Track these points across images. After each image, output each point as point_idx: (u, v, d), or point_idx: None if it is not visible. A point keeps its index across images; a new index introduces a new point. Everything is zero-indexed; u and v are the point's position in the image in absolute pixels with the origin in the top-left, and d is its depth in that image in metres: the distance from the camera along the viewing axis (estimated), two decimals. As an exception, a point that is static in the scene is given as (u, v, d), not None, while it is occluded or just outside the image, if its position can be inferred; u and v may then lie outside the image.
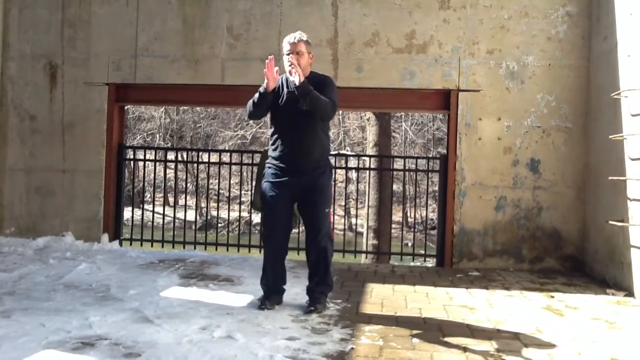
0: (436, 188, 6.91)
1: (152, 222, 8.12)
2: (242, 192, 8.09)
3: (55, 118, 6.72)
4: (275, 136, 4.09)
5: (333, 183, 4.61)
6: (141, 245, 6.90)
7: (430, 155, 17.51)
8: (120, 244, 6.66)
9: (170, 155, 9.99)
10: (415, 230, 19.32)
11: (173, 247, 7.03)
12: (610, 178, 5.19)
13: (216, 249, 6.96)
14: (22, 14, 6.78)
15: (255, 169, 5.21)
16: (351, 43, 6.32)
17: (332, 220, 4.70)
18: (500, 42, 6.14)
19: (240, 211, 8.88)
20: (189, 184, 22.52)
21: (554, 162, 6.07)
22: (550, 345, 3.42)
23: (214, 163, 8.46)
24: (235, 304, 4.16)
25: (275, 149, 4.08)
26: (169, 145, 23.82)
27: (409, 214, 22.49)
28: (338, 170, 7.24)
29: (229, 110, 22.70)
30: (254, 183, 4.67)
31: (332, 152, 9.13)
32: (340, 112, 18.41)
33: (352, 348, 3.24)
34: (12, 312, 3.73)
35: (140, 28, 6.60)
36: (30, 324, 3.48)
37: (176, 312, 3.87)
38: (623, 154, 5.09)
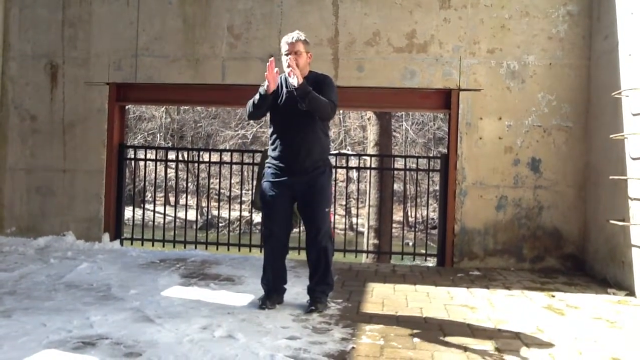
0: (437, 187, 6.91)
1: (153, 221, 8.12)
2: (243, 191, 8.08)
3: (55, 118, 6.73)
4: (275, 136, 4.09)
5: (333, 183, 4.61)
6: (142, 244, 6.90)
7: (431, 155, 17.52)
8: (121, 244, 6.66)
9: (171, 155, 9.99)
10: (416, 229, 19.34)
11: (174, 246, 7.03)
12: (611, 177, 5.19)
13: (217, 249, 6.96)
14: (22, 13, 6.78)
15: (256, 169, 5.21)
16: (352, 42, 6.32)
17: (332, 219, 4.71)
18: (501, 42, 6.14)
19: (241, 211, 8.87)
20: (189, 184, 22.55)
21: (555, 162, 6.07)
22: (551, 345, 3.42)
23: (215, 163, 8.48)
24: (236, 304, 4.16)
25: (274, 149, 4.08)
26: (169, 144, 23.82)
27: (409, 214, 22.48)
28: (339, 170, 7.24)
29: (230, 110, 22.70)
30: (254, 182, 4.67)
31: (333, 152, 9.13)
32: (341, 111, 18.41)
33: (353, 347, 3.24)
34: (13, 312, 3.73)
35: (141, 28, 6.60)
36: (31, 323, 3.48)
37: (177, 312, 3.88)
38: (624, 153, 5.09)
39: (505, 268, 6.03)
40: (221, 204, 19.73)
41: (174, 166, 8.83)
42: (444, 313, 4.12)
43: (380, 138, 12.29)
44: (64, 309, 3.85)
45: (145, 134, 24.63)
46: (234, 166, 7.52)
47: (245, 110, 4.19)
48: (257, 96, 4.00)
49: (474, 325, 3.81)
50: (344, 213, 21.27)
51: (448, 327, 3.76)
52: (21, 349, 3.03)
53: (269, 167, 4.11)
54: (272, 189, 4.04)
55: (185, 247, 6.98)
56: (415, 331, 3.60)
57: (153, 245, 7.11)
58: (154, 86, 6.67)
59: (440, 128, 22.35)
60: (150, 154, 7.53)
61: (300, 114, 3.93)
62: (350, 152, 18.33)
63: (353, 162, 13.07)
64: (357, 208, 9.11)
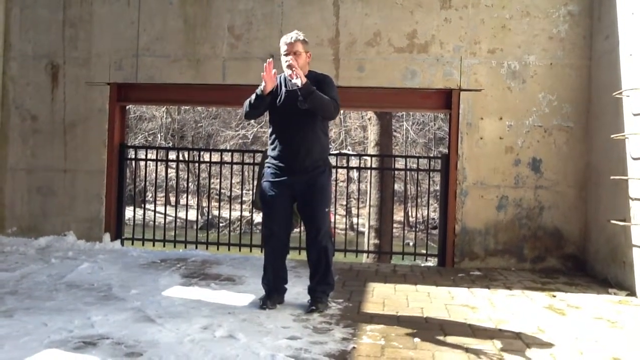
0: (437, 187, 6.91)
1: (154, 221, 8.13)
2: (244, 191, 8.08)
3: (56, 118, 6.73)
4: (274, 136, 4.09)
5: (334, 183, 4.61)
6: (143, 244, 6.91)
7: (432, 155, 17.52)
8: (122, 244, 6.66)
9: (172, 155, 9.99)
10: (417, 229, 19.37)
11: (174, 246, 7.04)
12: (612, 177, 5.19)
13: (218, 249, 6.96)
14: (23, 13, 6.79)
15: (256, 169, 5.21)
16: (352, 43, 6.32)
17: (333, 219, 4.71)
18: (501, 42, 6.14)
19: (241, 211, 8.88)
20: (190, 184, 22.56)
21: (556, 162, 6.07)
22: (552, 345, 3.41)
23: (216, 163, 8.48)
24: (237, 304, 4.16)
25: (274, 149, 4.08)
26: (170, 144, 23.85)
27: (410, 214, 22.49)
28: (339, 170, 7.24)
29: (230, 110, 22.70)
30: (255, 182, 4.67)
31: (334, 152, 9.14)
32: (342, 111, 18.39)
33: (354, 347, 3.24)
34: (14, 312, 3.73)
35: (142, 28, 6.60)
36: (32, 323, 3.49)
37: (178, 312, 3.88)
38: (625, 153, 5.09)
39: (506, 268, 6.03)
40: (222, 204, 19.74)
41: (174, 166, 8.83)
42: (444, 313, 4.12)
43: (381, 138, 12.29)
44: (65, 308, 3.85)
45: (146, 134, 24.66)
46: (235, 166, 7.52)
47: (242, 110, 4.20)
48: (253, 96, 4.01)
49: (475, 325, 3.81)
50: (344, 213, 21.27)
51: (449, 327, 3.76)
52: (22, 349, 3.03)
53: (269, 167, 4.11)
54: (272, 189, 4.04)
55: (186, 247, 6.98)
56: (416, 331, 3.60)
57: (154, 245, 7.12)
58: (155, 86, 6.68)
59: (440, 128, 22.37)
60: (151, 154, 7.54)
61: (300, 114, 3.93)
62: (350, 152, 18.33)
63: (354, 162, 13.07)
64: (358, 208, 9.13)
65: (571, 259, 6.04)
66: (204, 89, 6.66)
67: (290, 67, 3.88)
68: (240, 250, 6.87)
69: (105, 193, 6.63)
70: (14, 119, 6.80)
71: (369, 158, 10.59)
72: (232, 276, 5.15)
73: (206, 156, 10.80)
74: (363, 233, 12.36)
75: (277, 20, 6.40)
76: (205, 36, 6.52)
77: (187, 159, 17.46)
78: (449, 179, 6.19)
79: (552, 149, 6.07)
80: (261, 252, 6.12)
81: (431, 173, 7.06)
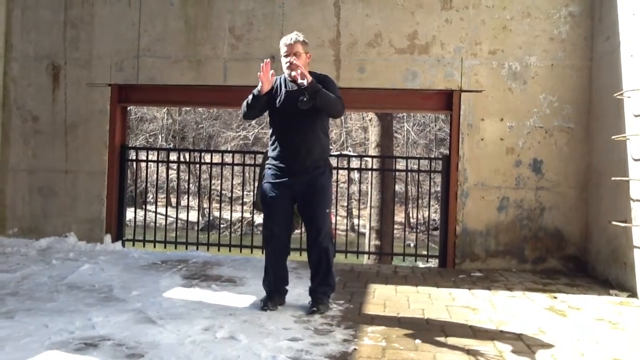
0: (438, 189, 6.91)
1: (155, 222, 8.13)
2: (245, 192, 8.07)
3: (57, 119, 6.74)
4: (275, 137, 4.09)
5: (335, 184, 4.61)
6: (144, 246, 6.91)
7: (433, 156, 17.51)
8: (123, 245, 6.66)
9: (173, 156, 10.01)
10: (418, 230, 19.35)
11: (175, 247, 7.03)
12: (613, 179, 5.18)
13: (218, 250, 6.96)
14: (24, 14, 6.79)
15: (257, 170, 5.21)
16: (353, 44, 6.32)
17: (333, 220, 4.71)
18: (502, 43, 6.14)
19: (242, 212, 8.87)
20: (191, 185, 22.56)
21: (557, 163, 6.07)
22: (553, 346, 3.41)
23: (216, 164, 8.46)
24: (238, 305, 4.16)
25: (274, 150, 4.08)
26: (171, 146, 23.87)
27: (411, 215, 22.49)
28: (340, 171, 7.23)
29: (231, 111, 22.69)
30: (256, 184, 4.68)
31: (335, 153, 9.13)
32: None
33: (355, 349, 3.24)
34: (15, 313, 3.73)
35: (143, 29, 6.61)
36: (33, 324, 3.49)
37: (179, 313, 3.88)
38: (626, 155, 5.08)
39: (507, 269, 6.03)
40: (222, 205, 19.75)
41: (175, 167, 8.83)
42: (445, 314, 4.12)
43: (382, 139, 12.30)
44: (66, 310, 3.85)
45: (147, 135, 24.67)
46: (236, 167, 7.52)
47: (240, 110, 4.20)
48: (250, 96, 4.02)
49: (476, 327, 3.81)
50: (345, 214, 21.27)
51: (450, 328, 3.75)
52: (23, 350, 3.03)
53: (269, 168, 4.10)
54: (273, 190, 4.04)
55: (186, 248, 6.97)
56: (417, 332, 3.59)
57: (155, 246, 7.12)
58: (156, 87, 6.68)
59: (441, 129, 22.36)
60: (152, 155, 7.52)
61: (300, 114, 3.93)
62: (351, 153, 18.33)
63: (354, 163, 13.06)
64: (359, 209, 9.12)
65: (572, 260, 6.04)
66: (205, 90, 6.66)
67: (294, 67, 3.88)
68: (241, 251, 6.87)
69: (106, 194, 6.63)
70: (15, 120, 6.81)
71: (369, 159, 10.61)
72: (233, 277, 5.15)
73: (207, 157, 10.82)
74: (364, 234, 12.36)
75: (278, 21, 6.40)
76: (206, 37, 6.53)
77: (188, 160, 17.49)
78: (449, 180, 6.19)
79: (553, 150, 6.07)
80: (262, 253, 6.12)
81: (432, 174, 7.06)
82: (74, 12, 6.72)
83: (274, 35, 6.28)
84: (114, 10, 6.66)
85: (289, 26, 6.07)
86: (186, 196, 20.57)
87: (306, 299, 4.18)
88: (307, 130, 3.99)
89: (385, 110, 9.76)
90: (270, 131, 4.16)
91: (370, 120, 13.40)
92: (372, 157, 9.83)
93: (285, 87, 4.03)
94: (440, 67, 6.21)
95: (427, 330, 3.69)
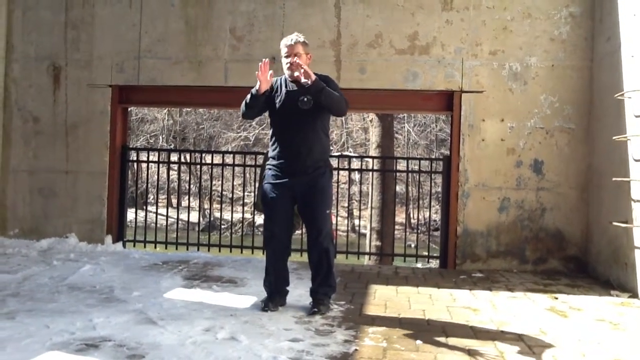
0: (439, 189, 6.91)
1: (156, 223, 8.13)
2: (245, 193, 8.08)
3: (58, 120, 6.74)
4: (275, 137, 4.10)
5: (335, 184, 4.61)
6: (144, 246, 6.91)
7: (433, 157, 17.49)
8: (124, 246, 6.67)
9: (174, 157, 10.01)
10: (418, 231, 19.34)
11: (176, 248, 7.04)
12: (614, 179, 5.18)
13: (219, 251, 6.96)
14: (25, 15, 6.80)
15: (258, 171, 5.21)
16: (354, 44, 6.32)
17: (334, 221, 4.70)
18: (503, 43, 6.14)
19: (243, 212, 8.87)
20: (192, 186, 22.57)
21: (557, 163, 6.07)
22: (554, 347, 3.41)
23: (217, 164, 8.44)
24: (239, 306, 4.16)
25: (275, 150, 4.08)
26: (172, 146, 23.86)
27: (412, 215, 22.48)
28: (341, 172, 7.24)
29: (232, 112, 22.69)
30: (257, 184, 4.68)
31: (335, 154, 9.14)
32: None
33: (356, 349, 3.24)
34: (16, 314, 3.73)
35: (143, 30, 6.61)
36: (34, 325, 3.49)
37: (180, 314, 3.88)
38: (627, 155, 5.08)
39: (507, 270, 6.03)
40: (223, 205, 19.75)
41: (176, 168, 8.83)
42: (446, 315, 4.12)
43: (383, 140, 12.31)
44: (67, 310, 3.86)
45: (148, 136, 24.68)
46: (236, 168, 7.52)
47: (240, 110, 4.21)
48: (248, 96, 4.02)
49: (477, 327, 3.80)
50: (346, 215, 21.26)
51: (451, 329, 3.75)
52: (24, 351, 3.03)
53: (270, 169, 4.10)
54: (273, 191, 4.04)
55: (187, 249, 6.98)
56: (418, 333, 3.59)
57: (155, 247, 7.12)
58: (157, 88, 6.68)
59: (442, 130, 22.37)
60: (153, 156, 7.52)
61: (300, 114, 3.93)
62: (352, 154, 18.33)
63: (355, 164, 13.05)
64: (360, 210, 9.11)
65: (573, 260, 6.03)
66: (206, 91, 6.67)
67: (296, 66, 3.88)
68: (241, 252, 6.87)
69: (107, 195, 6.64)
70: (16, 121, 6.81)
71: (370, 160, 10.59)
72: (234, 278, 5.15)
73: (208, 158, 10.81)
74: (364, 235, 12.36)
75: (279, 22, 6.40)
76: (207, 38, 6.53)
77: (188, 160, 17.49)
78: (450, 180, 6.19)
79: (553, 150, 6.07)
80: (263, 254, 6.12)
81: (433, 175, 7.07)
82: (75, 13, 6.73)
83: (275, 36, 6.28)
84: (115, 11, 6.67)
85: (290, 27, 6.07)
86: (187, 197, 20.58)
87: (307, 300, 4.18)
88: (307, 130, 3.99)
89: (386, 111, 9.77)
90: (271, 132, 4.16)
91: (371, 121, 13.40)
92: (373, 157, 9.83)
93: (286, 87, 4.03)
94: (441, 67, 6.21)
95: (428, 330, 3.69)
